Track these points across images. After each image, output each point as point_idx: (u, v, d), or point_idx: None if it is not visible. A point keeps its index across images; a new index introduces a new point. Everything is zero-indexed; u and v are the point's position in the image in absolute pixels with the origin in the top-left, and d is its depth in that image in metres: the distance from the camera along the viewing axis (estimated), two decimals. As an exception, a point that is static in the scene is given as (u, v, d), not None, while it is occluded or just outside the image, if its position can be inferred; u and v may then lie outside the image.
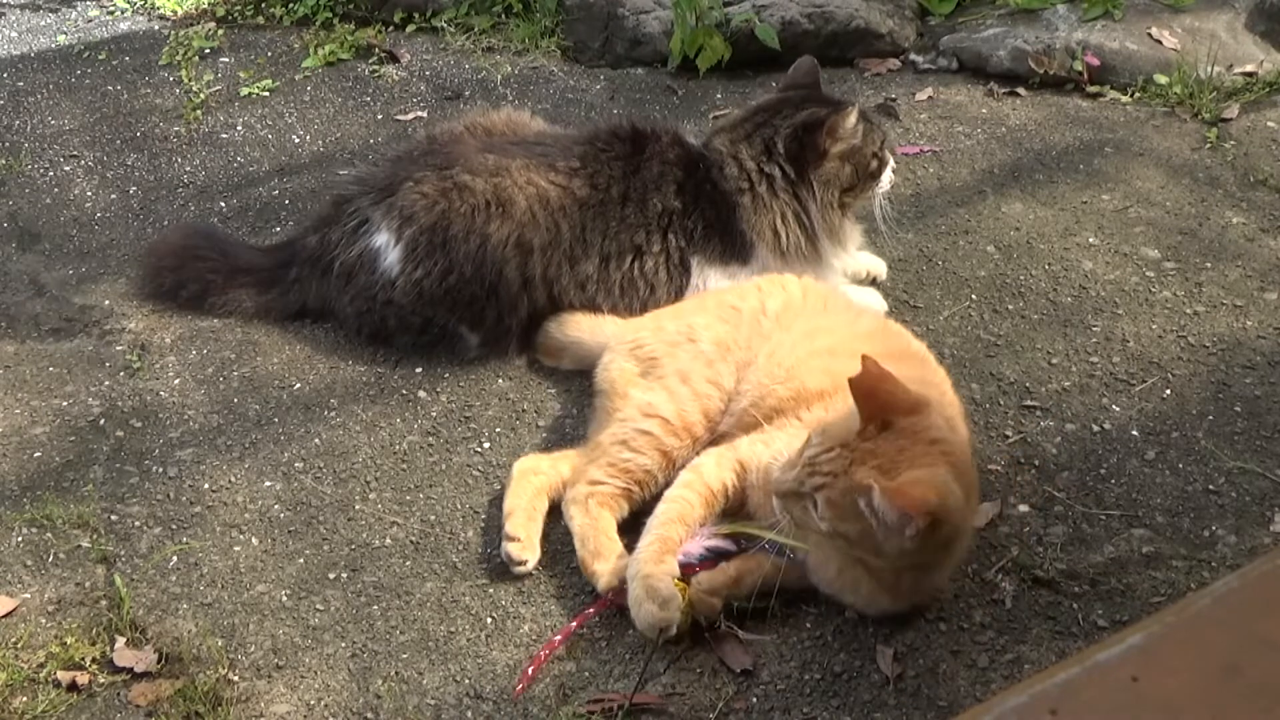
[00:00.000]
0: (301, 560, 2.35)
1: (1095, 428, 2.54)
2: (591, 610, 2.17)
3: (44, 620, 2.24)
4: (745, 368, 2.36)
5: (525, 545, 2.26)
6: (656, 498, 2.25)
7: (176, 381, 2.82)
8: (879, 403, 1.92)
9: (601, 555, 2.20)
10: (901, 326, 2.59)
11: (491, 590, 2.26)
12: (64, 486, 2.54)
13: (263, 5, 4.72)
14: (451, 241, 2.77)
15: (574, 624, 2.14)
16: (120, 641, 2.17)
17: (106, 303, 3.11)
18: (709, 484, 2.18)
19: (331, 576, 2.31)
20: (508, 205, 2.78)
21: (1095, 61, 3.79)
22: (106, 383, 2.83)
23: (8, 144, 3.92)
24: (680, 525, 2.14)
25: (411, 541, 2.38)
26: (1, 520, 2.45)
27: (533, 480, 2.34)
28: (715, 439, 2.34)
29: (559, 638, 2.12)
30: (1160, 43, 3.84)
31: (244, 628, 2.21)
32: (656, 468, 2.29)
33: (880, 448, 1.91)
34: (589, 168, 2.84)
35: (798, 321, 2.41)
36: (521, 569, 2.26)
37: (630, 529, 2.25)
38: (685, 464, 2.29)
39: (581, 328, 2.74)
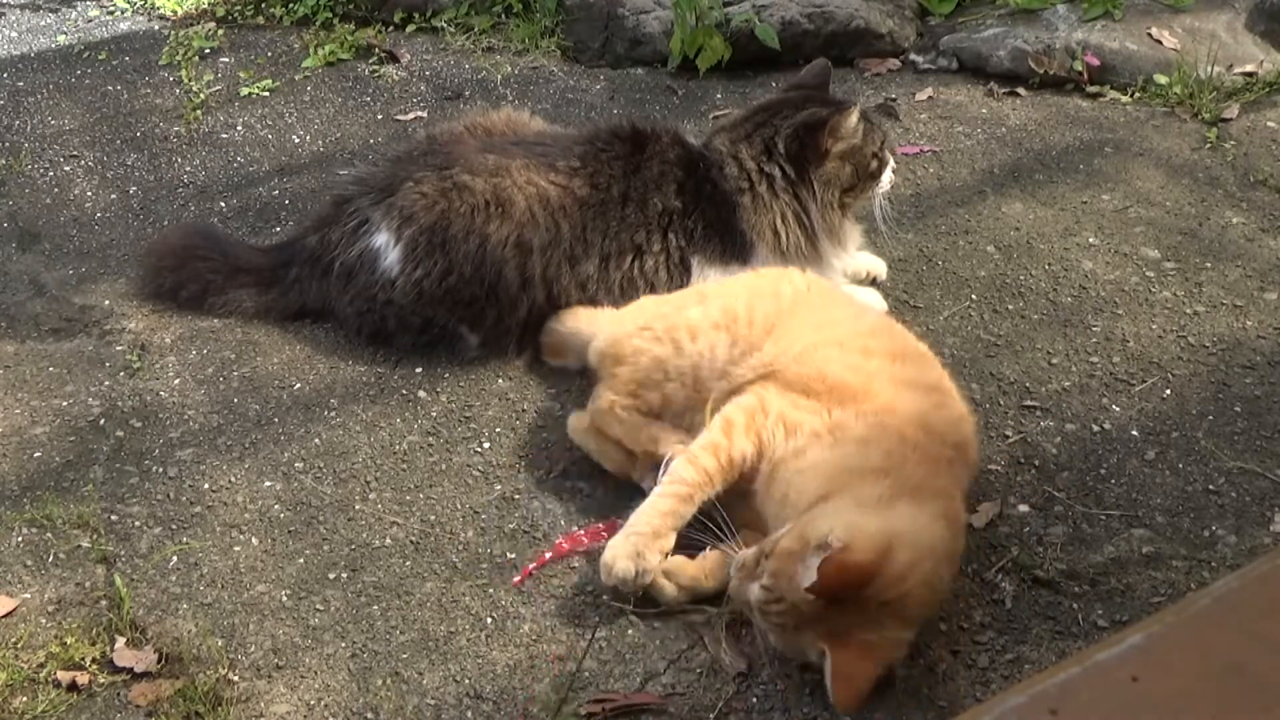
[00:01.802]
0: (301, 560, 2.35)
1: (1095, 428, 2.54)
2: (603, 529, 2.26)
3: (44, 620, 2.24)
4: (746, 344, 2.37)
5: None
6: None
7: (176, 381, 2.82)
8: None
9: (659, 440, 2.32)
10: (903, 327, 2.59)
11: (491, 590, 2.26)
12: (64, 486, 2.54)
13: (263, 5, 4.72)
14: (451, 241, 2.77)
15: (585, 538, 2.24)
16: (120, 641, 2.17)
17: (106, 303, 3.11)
18: (732, 455, 2.16)
19: (331, 576, 2.31)
20: (508, 205, 2.78)
21: (1095, 61, 3.79)
22: (106, 383, 2.83)
23: (8, 144, 3.92)
24: (690, 505, 2.14)
25: (411, 541, 2.38)
26: (1, 520, 2.45)
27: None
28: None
29: (566, 545, 2.22)
30: (1160, 43, 3.84)
31: (244, 628, 2.21)
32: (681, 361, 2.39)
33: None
34: (589, 167, 2.84)
35: (803, 312, 2.41)
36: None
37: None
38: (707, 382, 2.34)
39: (579, 319, 2.74)
